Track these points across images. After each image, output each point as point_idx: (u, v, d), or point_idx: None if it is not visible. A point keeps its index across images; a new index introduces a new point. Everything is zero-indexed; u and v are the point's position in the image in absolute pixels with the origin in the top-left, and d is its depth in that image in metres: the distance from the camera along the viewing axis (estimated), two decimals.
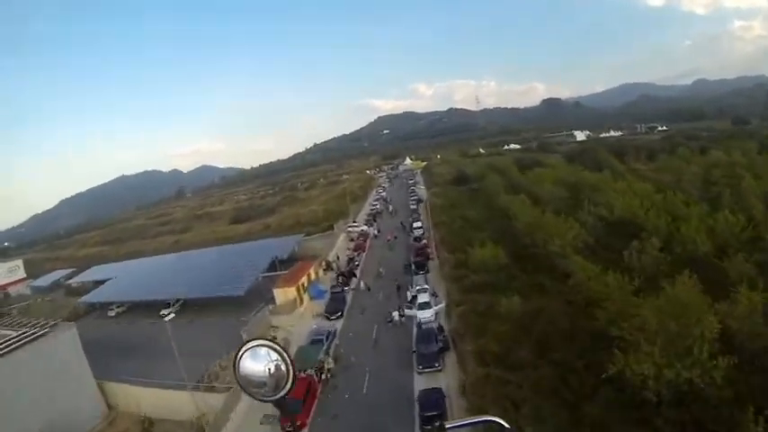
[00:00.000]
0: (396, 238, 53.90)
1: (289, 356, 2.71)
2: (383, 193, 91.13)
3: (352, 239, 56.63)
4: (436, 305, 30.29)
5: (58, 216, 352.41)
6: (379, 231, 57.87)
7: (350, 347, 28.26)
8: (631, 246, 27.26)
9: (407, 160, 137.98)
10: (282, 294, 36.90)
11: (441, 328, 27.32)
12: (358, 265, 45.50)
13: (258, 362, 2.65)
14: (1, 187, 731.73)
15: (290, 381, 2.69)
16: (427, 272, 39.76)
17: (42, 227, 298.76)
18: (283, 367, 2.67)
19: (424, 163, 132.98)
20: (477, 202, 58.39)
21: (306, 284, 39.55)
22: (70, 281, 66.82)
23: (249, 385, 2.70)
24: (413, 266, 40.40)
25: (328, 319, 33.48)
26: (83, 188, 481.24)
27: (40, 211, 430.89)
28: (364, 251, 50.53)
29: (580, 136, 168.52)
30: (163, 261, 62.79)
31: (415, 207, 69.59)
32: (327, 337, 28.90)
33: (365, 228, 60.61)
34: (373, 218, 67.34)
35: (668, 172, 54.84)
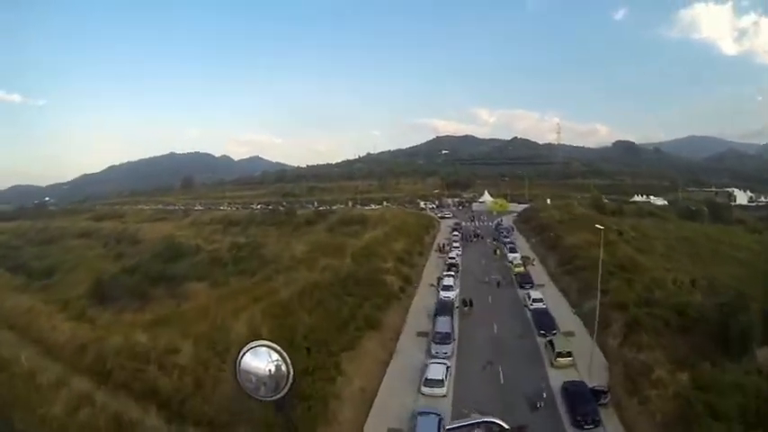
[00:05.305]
0: None
1: (289, 357, 2.49)
2: (451, 294, 34.80)
3: None
4: None
5: (105, 180, 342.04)
6: None
7: None
8: None
9: (486, 196, 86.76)
10: None
11: None
12: None
13: (259, 362, 2.47)
14: (52, 144, 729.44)
15: (290, 381, 2.52)
16: None
17: (87, 188, 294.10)
18: (283, 368, 2.49)
19: (511, 205, 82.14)
20: None
21: None
22: None
23: (249, 384, 2.51)
24: None
25: None
26: (133, 158, 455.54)
27: (88, 172, 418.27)
28: None
29: (741, 197, 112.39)
30: None
31: None
32: None
33: None
34: None
35: None
